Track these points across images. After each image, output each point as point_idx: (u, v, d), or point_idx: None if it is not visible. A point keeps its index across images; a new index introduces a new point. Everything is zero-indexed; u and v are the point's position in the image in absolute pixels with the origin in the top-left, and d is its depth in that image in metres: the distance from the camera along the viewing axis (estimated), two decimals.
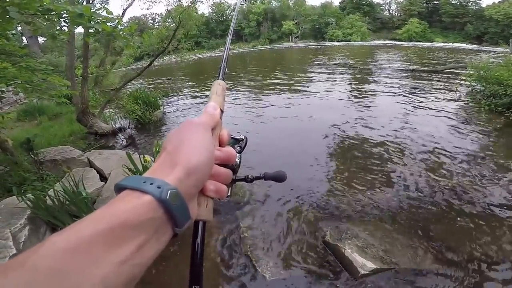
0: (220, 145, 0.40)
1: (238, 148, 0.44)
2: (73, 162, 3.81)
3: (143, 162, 2.83)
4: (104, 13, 2.21)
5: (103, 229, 0.24)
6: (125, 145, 5.26)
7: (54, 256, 0.21)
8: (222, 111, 0.44)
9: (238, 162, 0.42)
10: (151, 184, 0.28)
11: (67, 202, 2.48)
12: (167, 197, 0.27)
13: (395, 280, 2.04)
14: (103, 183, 3.15)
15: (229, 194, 0.40)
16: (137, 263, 0.25)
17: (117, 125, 6.19)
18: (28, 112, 7.54)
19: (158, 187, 0.28)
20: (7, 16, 1.73)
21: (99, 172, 3.53)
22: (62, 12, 1.97)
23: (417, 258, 2.20)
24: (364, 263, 2.08)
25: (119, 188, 0.29)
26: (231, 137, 0.44)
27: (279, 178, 0.46)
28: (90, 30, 2.29)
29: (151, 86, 12.02)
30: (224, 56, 0.58)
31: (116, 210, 0.26)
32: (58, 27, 2.36)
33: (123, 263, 0.24)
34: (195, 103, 8.59)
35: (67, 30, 2.55)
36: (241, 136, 0.46)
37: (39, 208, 2.45)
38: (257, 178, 0.46)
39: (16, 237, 2.21)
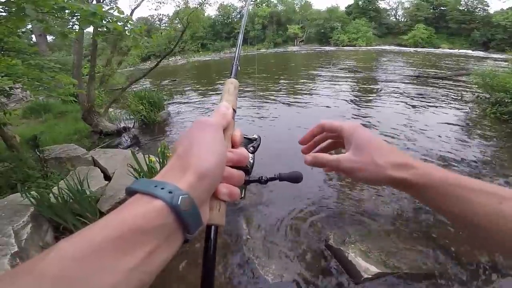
0: (233, 146, 0.39)
1: (252, 148, 0.43)
2: (78, 161, 3.83)
3: (148, 162, 2.84)
4: (116, 13, 2.23)
5: (112, 235, 0.23)
6: (129, 145, 5.29)
7: (62, 264, 0.21)
8: (234, 111, 0.43)
9: (251, 162, 0.40)
10: (162, 188, 0.27)
11: (70, 200, 2.48)
12: (178, 203, 0.27)
13: (398, 284, 2.02)
14: (107, 182, 3.14)
15: (242, 195, 0.38)
16: (147, 270, 0.25)
17: (122, 125, 6.22)
18: (34, 109, 7.60)
19: (170, 192, 0.27)
20: (22, 14, 1.74)
21: (103, 171, 3.54)
22: (75, 11, 1.99)
23: (420, 263, 2.17)
24: (367, 267, 2.06)
25: (130, 192, 0.28)
26: (244, 137, 0.43)
27: (294, 178, 0.44)
28: (99, 29, 2.31)
29: (156, 85, 12.09)
30: (236, 54, 0.56)
31: (127, 215, 0.25)
32: (69, 26, 2.38)
33: (133, 270, 0.23)
34: (199, 103, 8.63)
35: (78, 28, 2.57)
36: (255, 136, 0.45)
37: (42, 205, 2.44)
38: (272, 179, 0.44)
39: (18, 235, 2.18)
